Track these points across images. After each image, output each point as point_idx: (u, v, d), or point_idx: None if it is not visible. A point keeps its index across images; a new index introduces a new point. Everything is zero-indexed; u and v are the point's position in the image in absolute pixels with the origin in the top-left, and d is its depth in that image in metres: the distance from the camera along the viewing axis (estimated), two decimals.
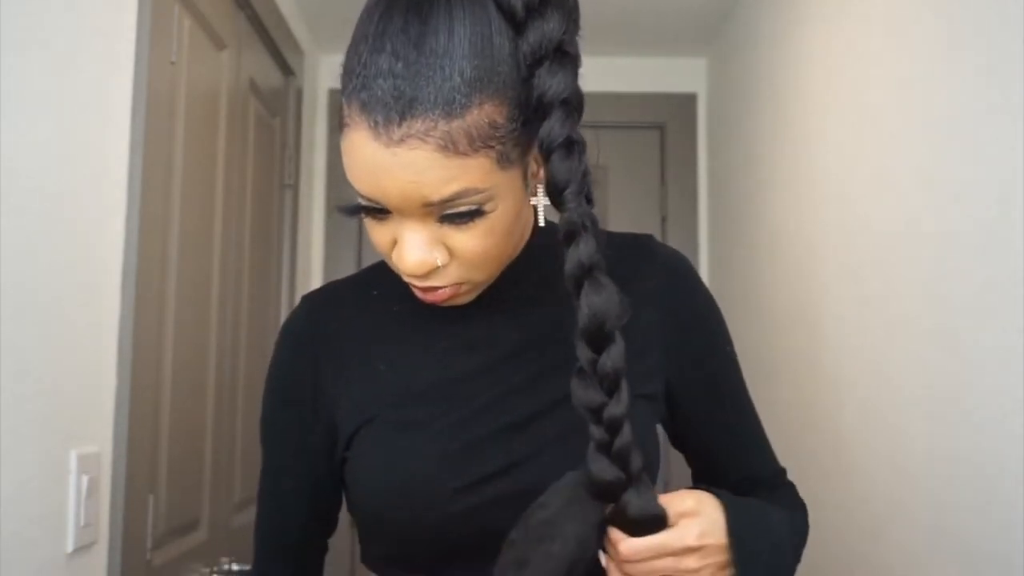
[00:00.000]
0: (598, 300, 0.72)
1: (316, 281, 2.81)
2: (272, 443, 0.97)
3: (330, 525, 1.00)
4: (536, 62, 0.73)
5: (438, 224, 0.75)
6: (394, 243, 0.77)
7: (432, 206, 0.73)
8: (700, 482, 0.99)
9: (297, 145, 2.54)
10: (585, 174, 0.73)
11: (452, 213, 0.74)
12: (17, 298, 1.10)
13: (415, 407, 0.87)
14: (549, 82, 0.73)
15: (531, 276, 0.89)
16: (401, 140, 0.70)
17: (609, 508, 0.77)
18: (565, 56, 0.75)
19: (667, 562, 0.77)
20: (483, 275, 0.81)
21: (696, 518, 0.79)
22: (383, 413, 0.88)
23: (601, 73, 2.91)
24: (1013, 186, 1.18)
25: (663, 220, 2.92)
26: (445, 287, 0.79)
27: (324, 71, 2.88)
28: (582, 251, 0.72)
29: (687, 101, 2.96)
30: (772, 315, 2.22)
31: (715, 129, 2.85)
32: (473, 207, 0.74)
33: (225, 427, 1.93)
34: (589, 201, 0.74)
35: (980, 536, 1.26)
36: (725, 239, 2.70)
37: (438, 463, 0.84)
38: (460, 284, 0.80)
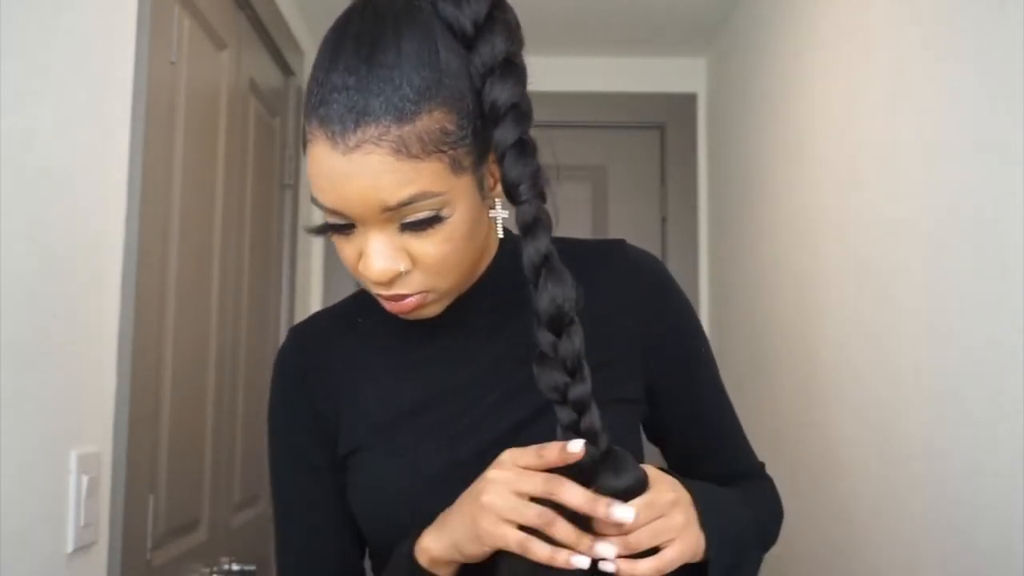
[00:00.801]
0: (556, 287, 0.76)
1: (316, 282, 2.81)
2: (287, 477, 0.99)
3: (360, 542, 1.00)
4: (488, 72, 0.79)
5: (399, 233, 0.80)
6: (360, 257, 0.82)
7: (391, 211, 0.77)
8: (677, 470, 1.01)
9: (297, 145, 2.53)
10: (537, 171, 0.78)
11: (411, 221, 0.78)
12: (17, 298, 1.10)
13: (400, 431, 0.91)
14: (500, 91, 0.78)
15: (501, 292, 0.92)
16: (357, 146, 0.75)
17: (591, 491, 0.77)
18: (513, 67, 0.80)
19: (660, 523, 0.78)
20: (446, 283, 0.85)
21: (657, 476, 0.81)
22: (371, 439, 0.92)
23: (601, 73, 2.91)
24: (1013, 185, 1.18)
25: (663, 220, 2.92)
26: (411, 296, 0.83)
27: None
28: (539, 242, 0.77)
29: (687, 101, 2.95)
30: (772, 315, 2.22)
31: (715, 129, 2.85)
32: (431, 213, 0.78)
33: (225, 427, 1.93)
34: (543, 198, 0.79)
35: (979, 534, 1.26)
36: (725, 239, 2.70)
37: (424, 486, 0.88)
38: (426, 292, 0.84)
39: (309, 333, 1.00)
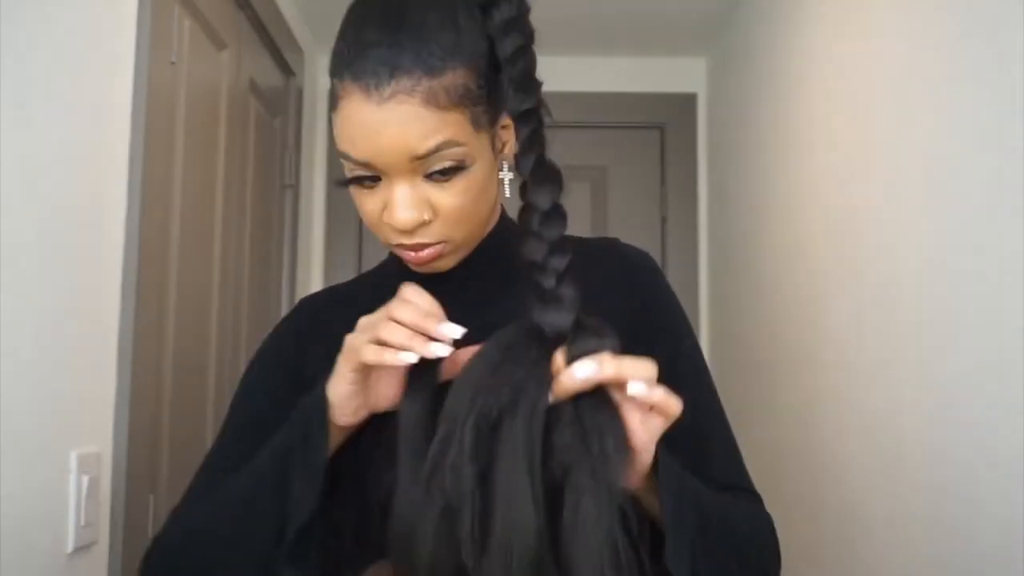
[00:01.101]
0: (550, 185, 0.80)
1: (316, 281, 2.81)
2: (246, 402, 1.00)
3: None
4: (501, 34, 0.84)
5: (423, 182, 0.84)
6: (383, 208, 0.86)
7: (419, 159, 0.83)
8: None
9: (297, 145, 2.54)
10: (537, 86, 0.83)
11: (436, 170, 0.84)
12: (17, 298, 1.10)
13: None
14: (509, 42, 0.84)
15: (499, 261, 0.95)
16: (391, 96, 0.81)
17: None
18: (524, 27, 0.85)
19: (659, 391, 0.75)
20: (462, 233, 0.89)
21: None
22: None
23: (601, 73, 2.91)
24: (1013, 185, 1.18)
25: (663, 220, 2.92)
26: (430, 245, 0.88)
27: (324, 71, 2.87)
28: (539, 148, 0.81)
29: (687, 101, 2.95)
30: (772, 316, 2.22)
31: (715, 129, 2.85)
32: (454, 163, 0.84)
33: None
34: (541, 124, 0.82)
35: (979, 536, 1.26)
36: (725, 239, 2.70)
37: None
38: (443, 243, 0.88)
39: (315, 299, 1.05)
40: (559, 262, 0.78)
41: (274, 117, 2.35)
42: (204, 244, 1.80)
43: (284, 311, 2.42)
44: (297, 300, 2.54)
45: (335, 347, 0.93)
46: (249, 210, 2.10)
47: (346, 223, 2.85)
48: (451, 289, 0.91)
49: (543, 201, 0.80)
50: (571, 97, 2.83)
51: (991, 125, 1.24)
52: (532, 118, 0.82)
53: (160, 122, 1.52)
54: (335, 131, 0.86)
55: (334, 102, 0.85)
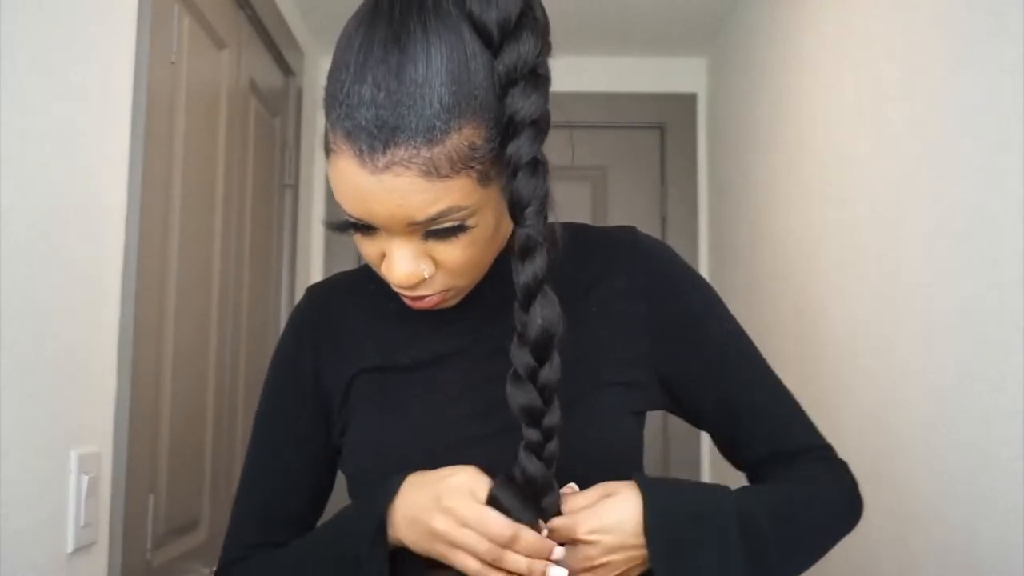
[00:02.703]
0: (548, 313, 0.77)
1: (316, 280, 2.81)
2: (268, 424, 1.00)
3: (317, 512, 1.02)
4: (510, 83, 0.77)
5: (423, 239, 0.79)
6: (383, 256, 0.82)
7: (418, 225, 0.77)
8: (727, 458, 1.02)
9: (297, 145, 2.54)
10: (546, 195, 0.78)
11: (437, 229, 0.78)
12: (17, 298, 1.10)
13: (398, 391, 0.93)
14: (522, 103, 0.77)
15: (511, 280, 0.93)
16: (386, 167, 0.74)
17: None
18: (538, 78, 0.78)
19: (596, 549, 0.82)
20: (467, 281, 0.86)
21: (600, 539, 0.83)
22: (372, 398, 0.93)
23: (601, 73, 2.91)
24: (1013, 185, 1.18)
25: (663, 220, 2.92)
26: (432, 295, 0.84)
27: (324, 71, 2.85)
28: (537, 265, 0.77)
29: (687, 101, 2.95)
30: (772, 315, 2.22)
31: (715, 129, 2.85)
32: (456, 223, 0.78)
33: (225, 427, 1.93)
34: (546, 221, 0.79)
35: (980, 535, 1.26)
36: (725, 239, 2.70)
37: (412, 440, 0.90)
38: (446, 291, 0.85)
39: (324, 293, 1.02)
40: (555, 418, 0.79)
41: (274, 117, 2.35)
42: (204, 244, 1.80)
43: (284, 311, 2.42)
44: (297, 300, 2.53)
45: (345, 339, 0.96)
46: (249, 210, 2.10)
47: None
48: (472, 300, 0.91)
49: (537, 333, 0.77)
50: (571, 97, 2.83)
51: (992, 124, 1.24)
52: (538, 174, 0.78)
53: (160, 121, 1.52)
54: (329, 177, 0.80)
55: (327, 146, 0.78)
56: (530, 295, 0.77)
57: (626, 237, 0.99)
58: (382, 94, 0.73)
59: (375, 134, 0.73)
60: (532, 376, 0.78)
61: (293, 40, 2.46)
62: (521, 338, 0.78)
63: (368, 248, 0.83)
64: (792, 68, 2.11)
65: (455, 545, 0.80)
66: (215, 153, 1.87)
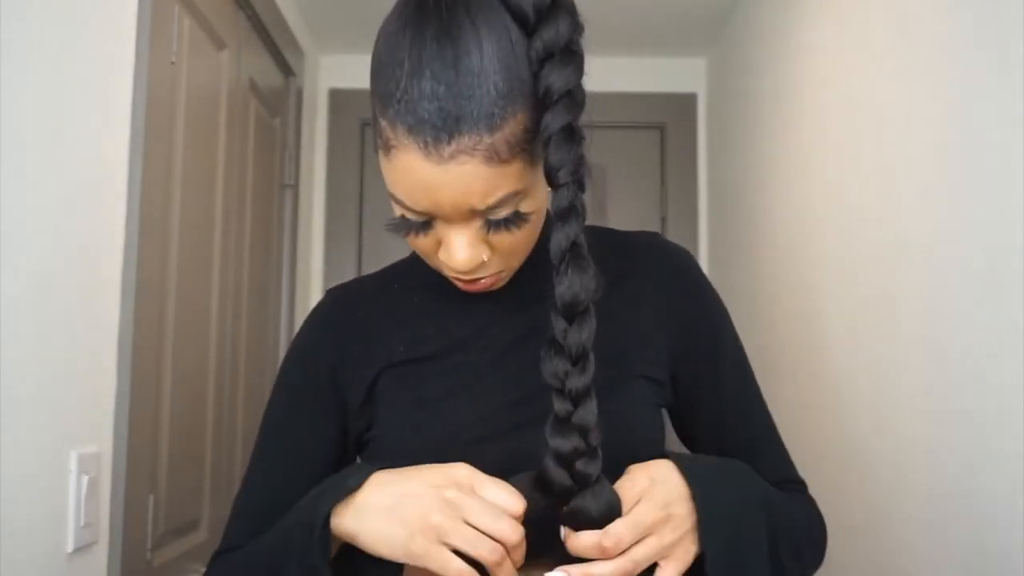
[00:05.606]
0: (577, 275, 0.78)
1: (316, 281, 2.81)
2: (279, 420, 0.99)
3: None
4: (547, 57, 0.80)
5: (482, 227, 0.82)
6: (438, 246, 0.84)
7: (480, 212, 0.80)
8: None
9: (297, 145, 2.54)
10: (580, 159, 0.79)
11: (496, 219, 0.81)
12: (17, 298, 1.10)
13: (431, 385, 0.93)
14: (555, 77, 0.80)
15: (543, 268, 0.92)
16: (451, 157, 0.76)
17: (563, 512, 0.78)
18: (572, 54, 0.81)
19: (651, 543, 0.79)
20: (518, 261, 0.89)
21: (652, 491, 0.81)
22: (402, 393, 0.94)
23: (601, 73, 2.88)
24: (1013, 186, 1.18)
25: (663, 220, 2.92)
26: (487, 277, 0.87)
27: (324, 71, 2.88)
28: (570, 228, 0.78)
29: (687, 101, 2.96)
30: (772, 315, 2.22)
31: (715, 129, 2.85)
32: (513, 210, 0.80)
33: (225, 427, 1.93)
34: (581, 186, 0.80)
35: (980, 536, 1.26)
36: (725, 239, 2.70)
37: (450, 434, 0.90)
38: (500, 272, 0.87)
39: (347, 294, 1.03)
40: (582, 381, 0.77)
41: (274, 117, 2.35)
42: (204, 244, 1.80)
43: (284, 311, 2.42)
44: (297, 300, 2.51)
45: (371, 338, 0.97)
46: (249, 210, 2.10)
47: (346, 223, 2.85)
48: (501, 290, 0.92)
49: (567, 295, 0.77)
50: None
51: (992, 123, 1.24)
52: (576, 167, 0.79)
53: (160, 122, 1.52)
54: (385, 174, 0.81)
55: (385, 144, 0.78)
56: (561, 257, 0.78)
57: (652, 242, 1.01)
58: (442, 87, 0.75)
59: (439, 126, 0.75)
60: (563, 336, 0.77)
61: (293, 40, 2.46)
62: (554, 302, 0.78)
63: (422, 242, 0.84)
64: (792, 68, 2.11)
65: (447, 542, 0.77)
66: (215, 153, 1.87)
